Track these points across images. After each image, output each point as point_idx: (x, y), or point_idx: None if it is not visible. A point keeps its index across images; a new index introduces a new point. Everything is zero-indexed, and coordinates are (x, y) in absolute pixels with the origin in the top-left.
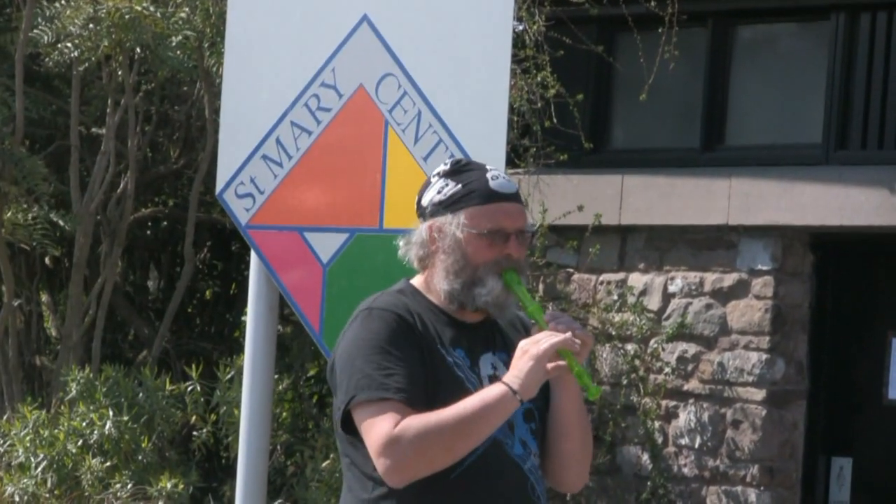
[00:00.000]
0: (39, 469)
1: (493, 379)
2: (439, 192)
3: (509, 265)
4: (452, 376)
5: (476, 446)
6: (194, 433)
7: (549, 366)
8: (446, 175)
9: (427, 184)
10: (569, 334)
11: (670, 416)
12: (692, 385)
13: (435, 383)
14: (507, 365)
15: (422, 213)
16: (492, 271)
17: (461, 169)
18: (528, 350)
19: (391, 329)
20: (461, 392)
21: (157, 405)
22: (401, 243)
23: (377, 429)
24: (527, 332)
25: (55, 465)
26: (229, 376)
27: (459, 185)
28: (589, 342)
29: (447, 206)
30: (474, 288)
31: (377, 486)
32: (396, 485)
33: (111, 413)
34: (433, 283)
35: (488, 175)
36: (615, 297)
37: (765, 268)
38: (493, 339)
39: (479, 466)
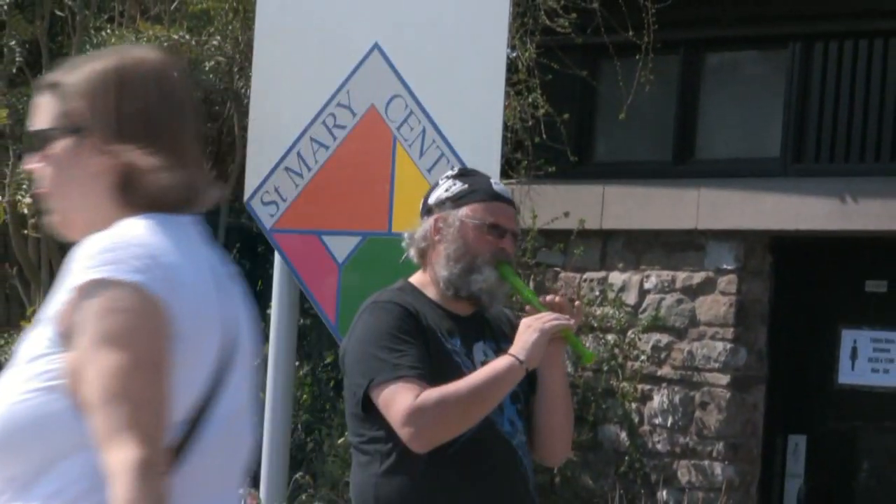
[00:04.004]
0: None
1: (486, 363)
2: (447, 190)
3: (504, 258)
4: (451, 361)
5: (488, 412)
6: None
7: (553, 329)
8: (454, 177)
9: (434, 185)
10: (568, 319)
11: (645, 398)
12: (665, 371)
13: (437, 366)
14: (496, 353)
15: (427, 210)
16: (488, 262)
17: (467, 173)
18: (532, 325)
19: (397, 318)
20: (459, 375)
21: None
22: (405, 236)
23: (398, 403)
24: (512, 326)
25: None
26: (255, 363)
27: (466, 185)
28: (579, 316)
29: (454, 200)
30: (471, 275)
31: (386, 460)
32: (421, 450)
33: None
34: (432, 274)
35: (491, 180)
36: (597, 293)
37: (729, 267)
38: (482, 329)
39: (475, 442)
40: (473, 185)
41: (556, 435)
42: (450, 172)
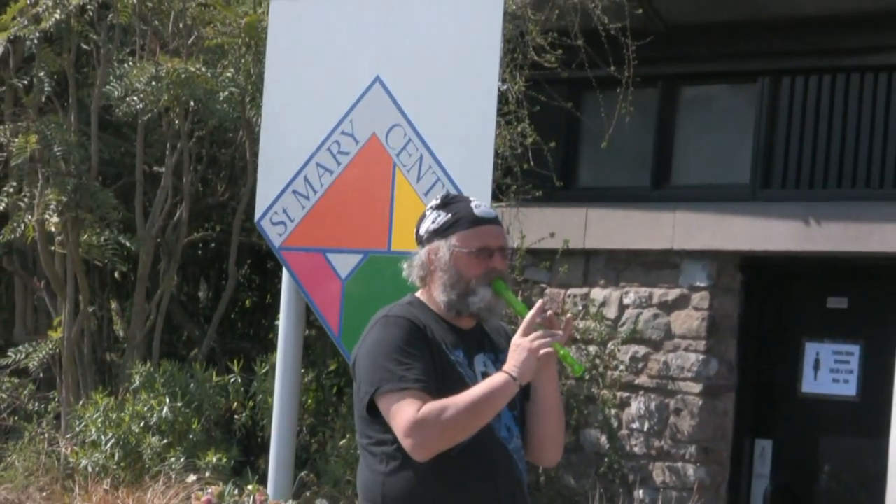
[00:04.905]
0: (108, 445)
1: (485, 375)
2: (433, 222)
3: (496, 276)
4: (455, 372)
5: (484, 424)
6: (235, 417)
7: (542, 351)
8: (438, 208)
9: (423, 217)
10: (559, 333)
11: (624, 404)
12: (642, 380)
13: (442, 377)
14: (494, 363)
15: (420, 241)
16: (482, 282)
17: (449, 202)
18: (522, 344)
19: (406, 332)
20: (462, 385)
21: (205, 394)
22: (404, 266)
23: (402, 414)
24: (508, 337)
25: (121, 443)
26: (264, 370)
27: (449, 215)
28: (569, 329)
29: (440, 232)
30: (468, 297)
31: (392, 461)
32: (422, 459)
33: (168, 400)
34: (434, 297)
35: (472, 205)
36: (580, 308)
37: (702, 285)
38: (483, 342)
39: (474, 447)
40: (457, 214)
41: (549, 440)
42: (434, 202)
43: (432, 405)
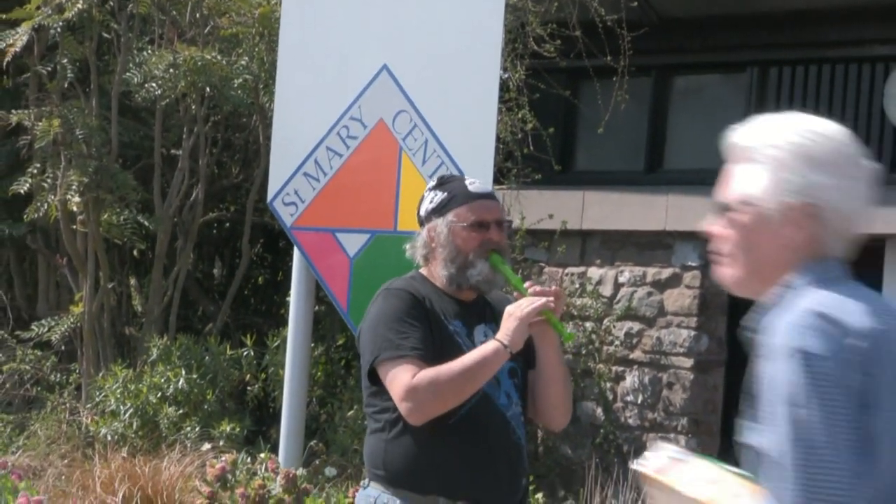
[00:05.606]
0: (127, 415)
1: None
2: (431, 202)
3: (493, 248)
4: (453, 342)
5: (478, 390)
6: (248, 388)
7: (531, 318)
8: (434, 188)
9: (422, 199)
10: (545, 299)
11: (619, 378)
12: (636, 355)
13: (440, 346)
14: (495, 333)
15: (420, 221)
16: (479, 256)
17: (445, 181)
18: (514, 313)
19: (405, 303)
20: (459, 354)
21: (219, 366)
22: (407, 247)
23: (399, 380)
24: None
25: (139, 413)
26: (276, 344)
27: (445, 193)
28: (561, 297)
29: (438, 210)
30: (467, 270)
31: (394, 428)
32: (416, 423)
33: (184, 372)
34: (435, 272)
35: (466, 182)
36: (577, 286)
37: (693, 264)
38: (484, 313)
39: (473, 413)
40: (452, 192)
41: (555, 405)
42: (431, 184)
43: (426, 371)
